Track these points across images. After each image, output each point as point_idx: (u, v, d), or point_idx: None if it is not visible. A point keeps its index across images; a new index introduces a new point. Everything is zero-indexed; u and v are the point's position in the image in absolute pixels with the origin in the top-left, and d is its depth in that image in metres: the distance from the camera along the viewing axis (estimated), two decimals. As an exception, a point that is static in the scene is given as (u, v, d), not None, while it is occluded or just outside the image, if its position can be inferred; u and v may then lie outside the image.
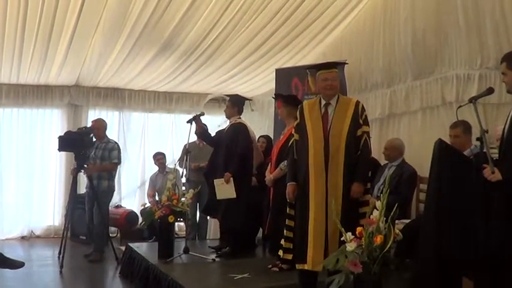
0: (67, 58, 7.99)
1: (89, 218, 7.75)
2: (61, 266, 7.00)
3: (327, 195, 4.59)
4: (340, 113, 4.73)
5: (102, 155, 7.62)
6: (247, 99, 7.09)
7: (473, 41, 5.96)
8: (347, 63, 6.16)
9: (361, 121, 4.72)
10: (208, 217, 8.31)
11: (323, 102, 4.80)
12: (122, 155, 7.92)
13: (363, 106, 4.80)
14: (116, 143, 7.91)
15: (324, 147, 4.66)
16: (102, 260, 7.57)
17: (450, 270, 3.77)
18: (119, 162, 7.87)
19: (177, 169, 7.45)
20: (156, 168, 9.54)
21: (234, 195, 6.37)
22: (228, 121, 6.89)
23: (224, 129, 6.98)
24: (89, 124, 8.28)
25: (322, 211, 4.60)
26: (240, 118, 6.79)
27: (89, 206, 7.74)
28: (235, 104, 6.77)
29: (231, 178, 6.36)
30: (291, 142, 5.02)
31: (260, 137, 8.02)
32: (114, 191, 7.94)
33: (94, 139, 7.74)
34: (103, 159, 7.62)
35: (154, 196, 9.12)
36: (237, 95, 7.23)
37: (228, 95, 7.14)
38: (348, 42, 7.79)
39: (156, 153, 9.51)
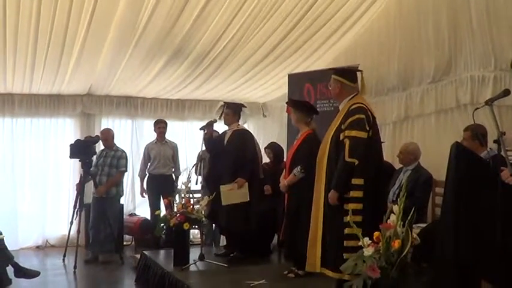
0: (79, 67, 7.99)
1: (93, 224, 8.01)
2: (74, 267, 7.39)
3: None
4: (337, 118, 4.77)
5: (110, 162, 8.09)
6: (245, 106, 7.13)
7: (486, 43, 5.91)
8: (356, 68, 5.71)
9: (342, 126, 4.59)
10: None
11: None
12: (135, 163, 8.27)
13: (354, 109, 4.60)
14: (123, 151, 8.33)
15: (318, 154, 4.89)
16: (110, 262, 7.89)
17: (468, 274, 3.73)
18: (126, 170, 8.30)
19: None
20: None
21: (248, 199, 6.52)
22: (228, 128, 6.90)
23: (222, 136, 6.98)
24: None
25: (314, 216, 4.81)
26: (239, 125, 6.89)
27: (94, 213, 8.03)
28: (237, 111, 6.87)
29: (246, 183, 6.51)
30: None
31: (265, 148, 7.83)
32: (122, 195, 8.42)
33: (99, 148, 8.24)
34: (111, 166, 8.07)
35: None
36: (239, 103, 7.26)
37: (226, 102, 7.12)
38: (362, 45, 7.78)
39: (158, 120, 9.14)
